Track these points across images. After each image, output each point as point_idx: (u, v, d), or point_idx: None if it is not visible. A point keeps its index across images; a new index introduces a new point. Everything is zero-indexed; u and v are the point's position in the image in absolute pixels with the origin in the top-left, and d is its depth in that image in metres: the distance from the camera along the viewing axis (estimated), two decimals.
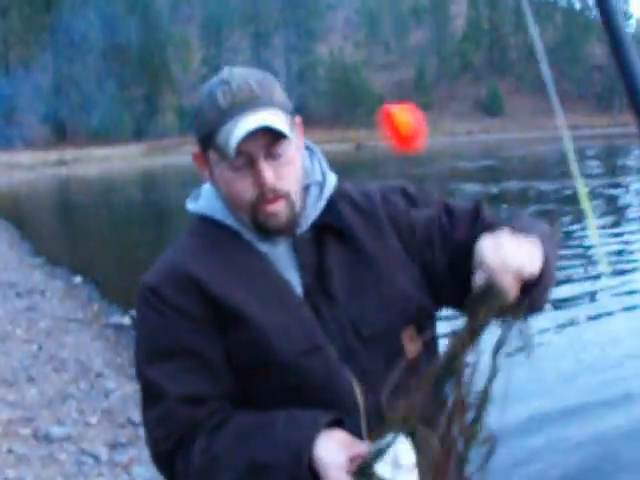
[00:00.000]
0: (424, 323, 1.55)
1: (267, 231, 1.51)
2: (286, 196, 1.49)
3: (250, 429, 1.40)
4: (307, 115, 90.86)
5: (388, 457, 1.22)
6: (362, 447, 1.30)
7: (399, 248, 1.58)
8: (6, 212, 24.27)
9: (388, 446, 1.23)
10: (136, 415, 5.56)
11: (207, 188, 1.61)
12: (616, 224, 14.64)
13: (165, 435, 1.45)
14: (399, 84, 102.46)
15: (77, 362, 7.33)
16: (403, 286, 1.55)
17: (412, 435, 1.27)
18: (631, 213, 16.75)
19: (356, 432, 1.39)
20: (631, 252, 11.68)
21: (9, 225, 21.04)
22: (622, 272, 9.84)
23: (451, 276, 1.55)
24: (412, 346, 1.50)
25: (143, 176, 48.93)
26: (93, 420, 5.82)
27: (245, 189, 1.47)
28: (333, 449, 1.30)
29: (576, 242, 11.64)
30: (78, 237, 19.25)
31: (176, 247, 1.60)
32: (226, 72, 1.49)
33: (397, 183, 1.69)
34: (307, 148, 1.65)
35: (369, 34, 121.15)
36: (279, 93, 1.50)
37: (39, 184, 40.41)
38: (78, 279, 12.09)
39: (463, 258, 1.47)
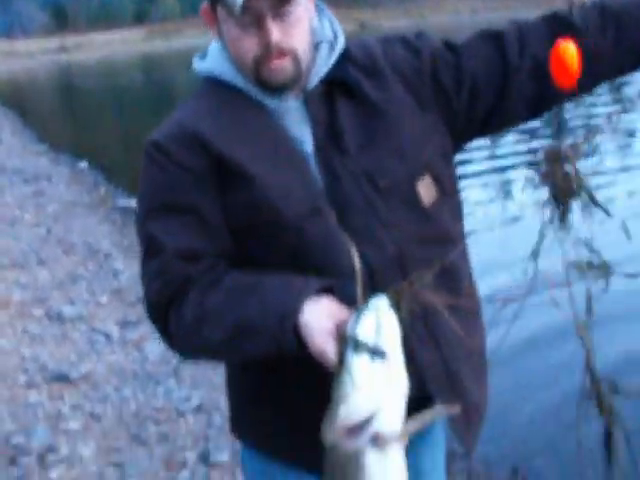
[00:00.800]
0: (439, 169, 1.53)
1: (271, 87, 1.45)
2: (292, 53, 1.43)
3: (242, 289, 1.39)
4: None
5: (371, 323, 1.19)
6: (349, 314, 1.27)
7: (406, 97, 1.53)
8: (7, 100, 23.96)
9: (373, 312, 1.20)
10: None
11: (214, 47, 1.54)
12: None
13: (160, 288, 1.44)
14: None
15: (85, 244, 7.36)
16: (414, 135, 1.51)
17: (398, 308, 1.24)
18: None
19: (352, 297, 1.36)
20: None
21: (11, 113, 20.80)
22: None
23: (474, 103, 1.55)
24: (428, 194, 1.49)
25: (144, 60, 48.06)
26: (103, 300, 5.87)
27: (251, 46, 1.41)
28: (320, 315, 1.28)
29: None
30: (81, 123, 19.06)
31: (182, 108, 1.55)
32: None
33: (395, 34, 1.63)
34: (316, 7, 1.56)
35: None
36: None
37: (40, 71, 39.74)
38: (83, 164, 12.02)
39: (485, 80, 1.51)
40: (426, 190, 1.49)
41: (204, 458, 3.62)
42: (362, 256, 1.43)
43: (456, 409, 1.28)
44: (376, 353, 1.16)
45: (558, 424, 4.04)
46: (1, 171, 11.62)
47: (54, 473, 3.51)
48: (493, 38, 1.55)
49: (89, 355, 4.84)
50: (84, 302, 5.86)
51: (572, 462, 3.76)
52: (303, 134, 1.47)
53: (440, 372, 1.52)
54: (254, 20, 1.39)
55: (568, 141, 1.28)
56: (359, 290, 1.39)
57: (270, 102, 1.47)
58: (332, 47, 1.53)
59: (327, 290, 1.34)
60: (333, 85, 1.50)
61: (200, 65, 1.55)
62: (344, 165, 1.46)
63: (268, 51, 1.40)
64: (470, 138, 1.64)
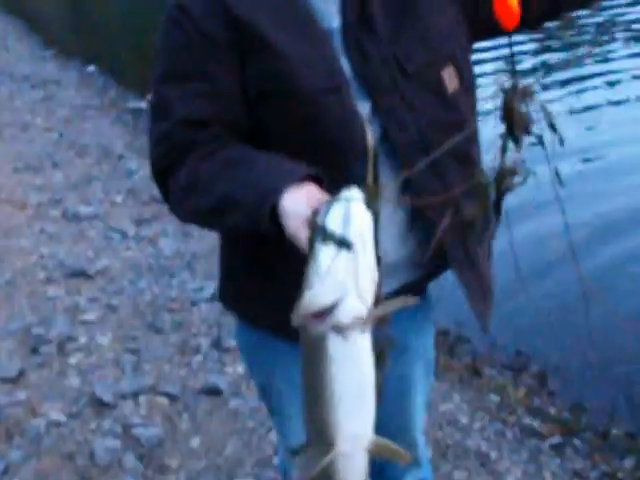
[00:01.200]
0: (461, 62, 1.55)
1: None
2: None
3: (235, 162, 1.40)
4: None
5: (340, 214, 1.18)
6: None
7: None
8: (9, 6, 23.56)
9: (343, 203, 1.19)
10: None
11: None
12: None
13: (163, 152, 1.46)
14: None
15: (98, 146, 7.40)
16: (441, 25, 1.52)
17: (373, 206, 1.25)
18: None
19: (362, 178, 1.32)
20: None
21: (15, 20, 20.49)
22: None
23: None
24: (451, 82, 1.52)
25: None
26: (118, 199, 5.95)
27: None
28: (299, 200, 1.27)
29: None
30: (88, 26, 18.74)
31: None
32: None
33: None
34: None
35: None
36: None
37: None
38: (92, 68, 11.91)
39: None
40: (450, 79, 1.51)
41: (216, 344, 3.75)
42: (386, 135, 1.45)
43: (414, 300, 1.29)
44: (342, 243, 1.17)
45: (562, 309, 4.13)
46: (9, 78, 11.54)
47: (73, 360, 3.67)
48: None
49: (105, 251, 4.96)
50: (99, 202, 5.94)
51: (576, 345, 3.87)
52: (331, 10, 1.45)
53: (459, 252, 1.60)
54: None
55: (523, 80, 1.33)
56: (370, 169, 1.35)
57: None
58: None
59: (315, 179, 1.32)
60: None
61: None
62: (374, 46, 1.45)
63: None
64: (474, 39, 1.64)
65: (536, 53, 9.67)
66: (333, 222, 1.17)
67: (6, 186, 6.37)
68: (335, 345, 1.20)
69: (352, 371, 1.23)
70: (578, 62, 8.99)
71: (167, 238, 5.12)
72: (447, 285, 4.48)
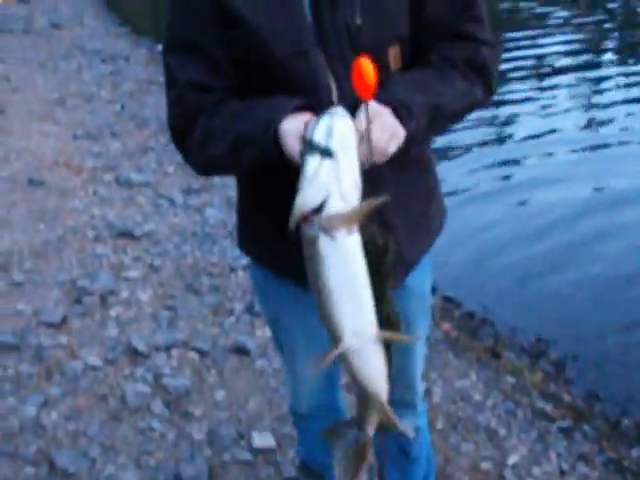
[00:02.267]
0: (406, 49, 1.67)
1: None
2: None
3: (240, 110, 1.61)
4: None
5: (324, 127, 1.37)
6: None
7: None
8: None
9: (327, 118, 1.38)
10: None
11: None
12: None
13: (178, 114, 1.69)
14: None
15: (157, 120, 7.63)
16: (400, 9, 1.65)
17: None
18: None
19: None
20: None
21: None
22: None
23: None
24: (395, 62, 1.65)
25: None
26: (170, 170, 6.19)
27: None
28: (293, 122, 1.47)
29: None
30: (162, 7, 19.12)
31: None
32: None
33: None
34: None
35: None
36: None
37: None
38: (161, 47, 12.20)
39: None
40: (393, 58, 1.64)
41: (249, 309, 3.93)
42: (341, 94, 1.60)
43: (384, 197, 1.42)
44: (325, 152, 1.35)
45: (587, 298, 4.22)
46: (81, 51, 11.92)
47: (113, 312, 3.89)
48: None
49: (153, 216, 5.19)
50: (152, 171, 6.18)
51: (597, 335, 3.96)
52: None
53: (374, 218, 1.67)
54: None
55: None
56: None
57: None
58: None
59: (308, 107, 1.52)
60: None
61: None
62: (330, 15, 1.59)
63: None
64: None
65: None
66: (318, 134, 1.37)
67: (65, 151, 6.66)
68: (325, 245, 1.38)
69: (342, 269, 1.41)
70: None
71: (213, 208, 5.32)
72: (476, 269, 4.62)
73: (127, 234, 4.82)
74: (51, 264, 4.45)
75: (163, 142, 6.93)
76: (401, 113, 1.52)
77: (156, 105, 8.24)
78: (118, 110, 8.23)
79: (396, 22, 1.64)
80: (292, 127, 1.47)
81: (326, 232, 1.37)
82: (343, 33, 1.60)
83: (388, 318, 1.54)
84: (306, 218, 1.37)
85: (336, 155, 1.35)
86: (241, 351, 3.59)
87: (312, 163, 1.36)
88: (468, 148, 6.93)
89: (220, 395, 3.30)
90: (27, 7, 17.28)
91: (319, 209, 1.36)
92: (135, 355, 3.53)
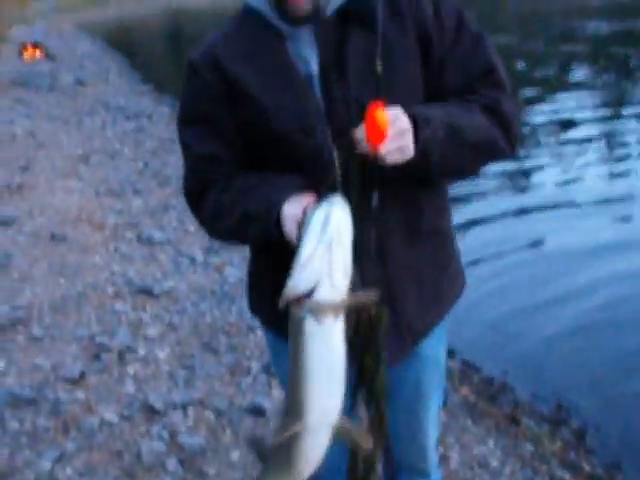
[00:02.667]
0: None
1: (289, 17, 1.67)
2: None
3: (247, 188, 1.70)
4: None
5: (322, 215, 1.44)
6: None
7: (415, 48, 1.70)
8: (117, 43, 24.75)
9: (326, 206, 1.46)
10: None
11: None
12: None
13: (191, 184, 1.82)
14: None
15: (179, 178, 7.62)
16: (409, 78, 1.70)
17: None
18: None
19: None
20: None
21: (119, 55, 21.53)
22: None
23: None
24: None
25: None
26: (191, 228, 6.26)
27: None
28: (294, 206, 1.55)
29: None
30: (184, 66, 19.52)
31: (216, 33, 1.81)
32: None
33: (446, 2, 1.75)
34: None
35: None
36: None
37: (149, 15, 40.62)
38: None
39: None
40: None
41: (266, 368, 3.95)
42: (348, 174, 1.65)
43: (376, 295, 1.51)
44: (321, 239, 1.42)
45: (610, 366, 4.20)
46: (105, 108, 12.19)
47: (131, 369, 3.93)
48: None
49: (173, 274, 5.25)
50: (173, 229, 6.27)
51: (621, 405, 3.94)
52: (311, 56, 1.68)
53: (382, 288, 1.69)
54: None
55: None
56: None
57: (286, 29, 1.68)
58: None
59: (312, 187, 1.60)
60: (350, 15, 1.68)
61: None
62: (340, 89, 1.66)
63: None
64: None
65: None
66: (316, 221, 1.44)
67: (88, 207, 6.78)
68: (311, 327, 1.45)
69: (324, 352, 1.47)
70: None
71: (233, 267, 5.38)
72: (495, 333, 4.62)
73: (146, 291, 4.87)
74: (70, 319, 4.51)
75: (184, 201, 7.01)
76: (417, 120, 1.55)
77: (178, 163, 8.36)
78: (141, 167, 8.38)
79: (411, 98, 1.69)
80: (291, 212, 1.55)
81: (314, 316, 1.43)
82: (354, 109, 1.65)
83: (374, 387, 1.62)
84: (296, 300, 1.44)
85: (330, 245, 1.42)
86: (257, 412, 3.60)
87: (307, 248, 1.43)
88: (486, 204, 6.98)
89: (235, 455, 3.31)
90: (53, 64, 17.73)
91: (309, 294, 1.42)
92: (151, 412, 3.55)
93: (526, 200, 7.17)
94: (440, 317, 1.92)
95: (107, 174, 8.05)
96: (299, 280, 1.42)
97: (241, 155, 1.76)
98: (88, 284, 5.02)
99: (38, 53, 18.67)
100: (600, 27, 22.06)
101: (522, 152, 8.71)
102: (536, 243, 6.06)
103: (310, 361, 1.46)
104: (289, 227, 1.55)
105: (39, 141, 9.57)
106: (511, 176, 7.84)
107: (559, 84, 13.76)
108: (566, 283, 5.19)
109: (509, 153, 1.76)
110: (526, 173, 8.09)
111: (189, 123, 1.79)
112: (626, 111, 10.86)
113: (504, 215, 6.74)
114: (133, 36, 30.71)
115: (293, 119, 1.66)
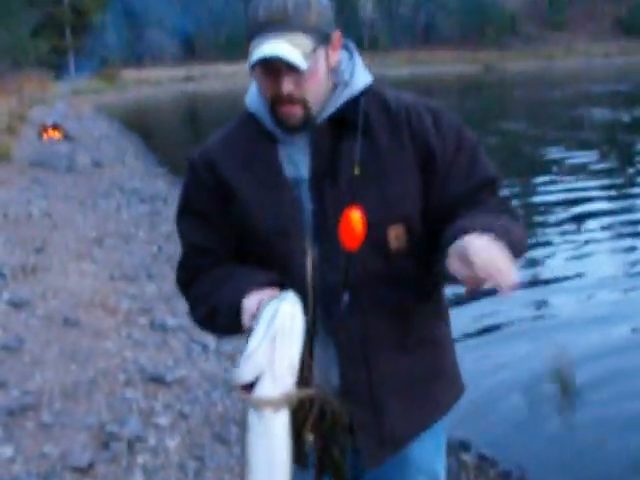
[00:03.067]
0: (414, 227, 1.78)
1: (283, 127, 1.77)
2: (302, 102, 1.72)
3: (220, 279, 1.81)
4: (434, 35, 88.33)
5: (270, 311, 1.53)
6: None
7: (412, 159, 1.77)
8: (134, 125, 25.28)
9: (276, 303, 1.55)
10: None
11: (253, 84, 1.88)
12: None
13: (182, 273, 1.95)
14: (532, 2, 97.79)
15: None
16: (404, 188, 1.77)
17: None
18: None
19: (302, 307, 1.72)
20: None
21: (136, 137, 21.97)
22: None
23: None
24: (396, 241, 1.76)
25: None
26: None
27: (268, 90, 1.74)
28: (252, 300, 1.63)
29: None
30: None
31: (222, 130, 1.95)
32: None
33: (436, 106, 1.85)
34: (347, 49, 1.86)
35: None
36: (315, 14, 1.68)
37: (166, 99, 41.55)
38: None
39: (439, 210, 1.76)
40: (395, 237, 1.76)
41: None
42: (323, 276, 1.75)
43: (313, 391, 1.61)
44: (265, 334, 1.50)
45: (623, 459, 4.15)
46: (121, 191, 12.39)
47: (140, 459, 3.90)
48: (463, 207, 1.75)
49: (185, 362, 5.25)
50: (186, 315, 6.28)
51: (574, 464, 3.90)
52: (302, 162, 1.78)
53: (364, 393, 1.81)
54: (273, 69, 1.69)
55: None
56: (310, 305, 1.73)
57: (281, 135, 1.79)
58: (344, 88, 1.79)
59: (278, 283, 1.69)
60: (344, 122, 1.78)
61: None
62: (331, 194, 1.75)
63: (279, 98, 1.71)
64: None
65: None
66: (264, 316, 1.53)
67: (101, 291, 6.83)
68: (252, 418, 1.52)
69: (263, 444, 1.54)
70: None
71: None
72: (513, 427, 4.57)
73: (158, 379, 4.87)
74: (80, 406, 4.50)
75: None
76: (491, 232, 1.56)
77: None
78: (155, 251, 8.47)
79: (399, 204, 1.76)
80: (248, 305, 1.63)
81: (254, 409, 1.50)
82: (338, 213, 1.72)
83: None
84: (241, 390, 1.52)
85: (274, 339, 1.49)
86: None
87: (253, 342, 1.51)
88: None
89: None
90: (72, 145, 18.10)
91: (252, 384, 1.50)
92: None
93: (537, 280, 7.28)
94: (428, 424, 1.92)
95: (121, 257, 8.14)
96: (241, 371, 1.51)
97: (232, 249, 1.87)
98: (99, 370, 5.03)
99: (57, 134, 19.09)
100: (604, 115, 22.52)
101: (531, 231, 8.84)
102: (554, 329, 6.09)
103: (251, 453, 1.53)
104: (245, 320, 1.63)
105: (54, 222, 9.71)
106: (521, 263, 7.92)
107: (566, 167, 13.99)
108: (582, 376, 5.16)
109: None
110: (534, 248, 8.23)
111: (186, 213, 1.91)
112: (630, 192, 11.07)
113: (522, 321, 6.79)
114: (150, 119, 31.39)
115: (271, 220, 1.77)
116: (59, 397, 4.61)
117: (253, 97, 1.85)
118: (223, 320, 1.75)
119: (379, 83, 1.85)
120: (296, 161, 1.79)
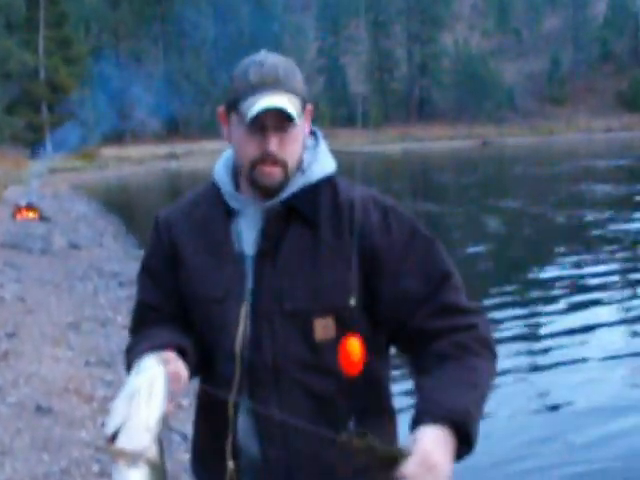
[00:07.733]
0: (347, 320, 1.88)
1: (259, 187, 1.92)
2: (283, 164, 1.89)
3: (143, 337, 1.98)
4: (429, 109, 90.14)
5: (138, 368, 1.72)
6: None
7: (350, 254, 1.89)
8: (114, 205, 25.58)
9: (145, 361, 1.73)
10: None
11: (225, 153, 2.07)
12: None
13: (131, 326, 2.14)
14: (531, 76, 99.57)
15: None
16: (336, 280, 1.89)
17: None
18: None
19: (230, 378, 1.91)
20: None
21: (116, 217, 22.21)
22: None
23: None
24: (323, 331, 1.88)
25: None
26: (185, 403, 6.32)
27: (252, 150, 1.88)
28: (149, 361, 1.75)
29: None
30: None
31: (189, 194, 2.14)
32: (262, 55, 1.91)
33: (388, 202, 1.97)
34: (314, 135, 2.04)
35: (498, 21, 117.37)
36: (300, 82, 1.90)
37: (149, 177, 42.09)
38: None
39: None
40: (322, 328, 1.88)
41: None
42: (251, 353, 1.90)
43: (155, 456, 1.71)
44: (125, 392, 1.68)
45: None
46: (98, 274, 12.50)
47: None
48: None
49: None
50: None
51: None
52: (251, 239, 1.95)
53: (282, 473, 1.91)
54: (260, 128, 1.86)
55: None
56: (236, 378, 1.90)
57: (237, 206, 1.97)
58: (301, 176, 1.95)
59: (173, 346, 1.85)
60: (294, 208, 1.93)
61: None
62: (268, 277, 1.91)
63: (265, 157, 1.87)
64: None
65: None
66: (131, 374, 1.73)
67: (76, 378, 6.88)
68: (112, 469, 1.67)
69: None
70: None
71: None
72: None
73: None
74: None
75: None
76: (468, 425, 1.69)
77: None
78: None
79: (328, 296, 1.88)
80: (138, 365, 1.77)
81: (113, 459, 1.65)
82: (276, 296, 1.89)
83: None
84: (108, 439, 1.66)
85: (132, 398, 1.66)
86: None
87: (117, 398, 1.69)
88: (505, 374, 7.12)
89: None
90: (47, 226, 18.26)
91: (114, 437, 1.65)
92: None
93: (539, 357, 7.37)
94: None
95: (98, 343, 8.20)
96: (106, 424, 1.68)
97: (179, 309, 2.03)
98: (72, 460, 5.06)
99: (32, 215, 19.27)
100: (605, 190, 22.94)
101: (534, 308, 8.96)
102: (551, 404, 6.16)
103: None
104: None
105: (28, 306, 9.78)
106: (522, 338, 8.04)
107: (566, 247, 14.17)
108: (593, 463, 5.22)
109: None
110: (536, 325, 8.33)
111: (144, 272, 2.10)
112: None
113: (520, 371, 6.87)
114: (131, 198, 31.77)
115: (210, 288, 1.95)
116: None
117: (220, 166, 2.03)
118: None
119: (337, 174, 2.01)
120: (245, 237, 1.95)
